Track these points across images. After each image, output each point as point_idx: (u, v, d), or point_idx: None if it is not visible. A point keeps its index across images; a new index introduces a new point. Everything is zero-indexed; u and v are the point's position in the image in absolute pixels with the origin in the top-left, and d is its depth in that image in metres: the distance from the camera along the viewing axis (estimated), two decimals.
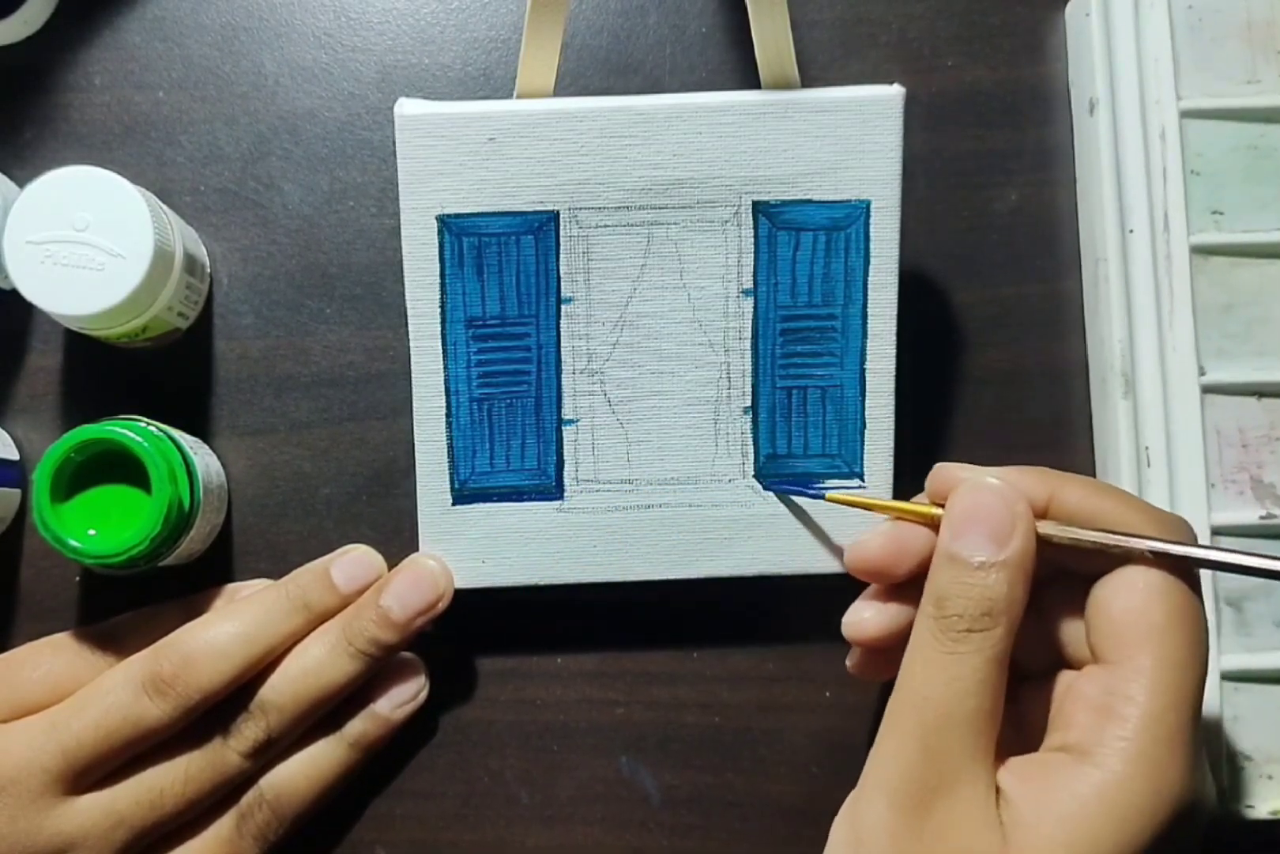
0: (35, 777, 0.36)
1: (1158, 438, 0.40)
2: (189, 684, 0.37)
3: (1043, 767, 0.31)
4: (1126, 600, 0.31)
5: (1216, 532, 0.40)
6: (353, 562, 0.40)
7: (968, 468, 0.35)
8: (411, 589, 0.39)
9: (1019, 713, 0.35)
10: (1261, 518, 0.40)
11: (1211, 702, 0.39)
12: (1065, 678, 0.34)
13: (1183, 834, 0.31)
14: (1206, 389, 0.40)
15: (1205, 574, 0.39)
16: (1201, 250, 0.41)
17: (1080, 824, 0.30)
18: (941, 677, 0.32)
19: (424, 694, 0.41)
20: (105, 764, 0.37)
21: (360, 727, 0.40)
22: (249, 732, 0.38)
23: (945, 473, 0.35)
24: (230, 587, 0.41)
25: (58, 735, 0.36)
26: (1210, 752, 0.38)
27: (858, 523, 0.40)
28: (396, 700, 0.40)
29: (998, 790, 0.31)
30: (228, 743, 0.38)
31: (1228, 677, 0.39)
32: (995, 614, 0.32)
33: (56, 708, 0.37)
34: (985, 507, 0.33)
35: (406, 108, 0.38)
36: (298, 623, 0.39)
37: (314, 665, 0.39)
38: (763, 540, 0.40)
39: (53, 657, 0.39)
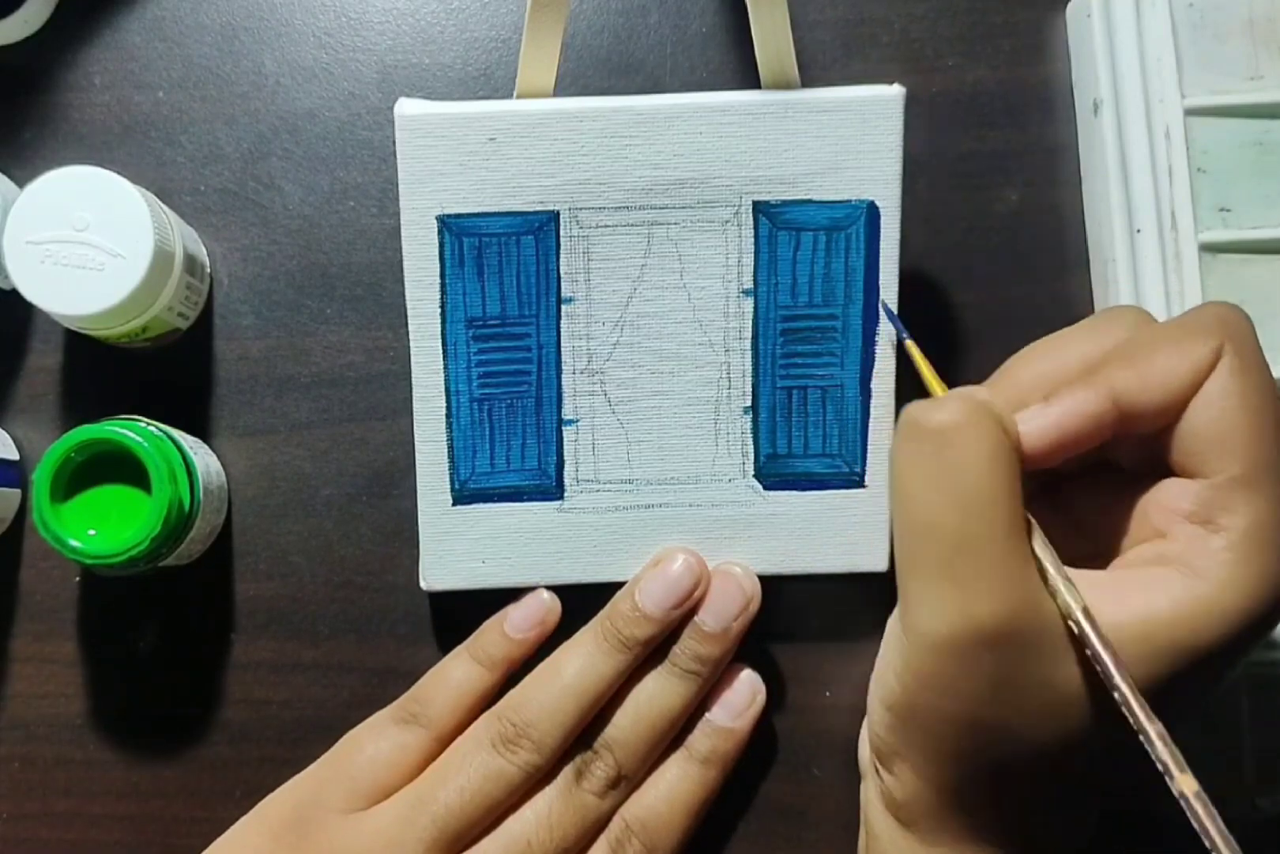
0: (411, 849, 0.36)
1: None
2: (536, 738, 0.37)
3: (1135, 581, 0.32)
4: (1210, 414, 0.32)
5: None
6: (653, 582, 0.39)
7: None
8: (720, 598, 0.39)
9: (1071, 520, 0.35)
10: None
11: (1236, 697, 0.39)
12: (1135, 490, 0.34)
13: (1263, 630, 0.31)
14: None
15: None
16: (1210, 248, 0.40)
17: (1182, 629, 0.30)
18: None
19: (761, 698, 0.40)
20: (476, 827, 0.37)
21: (706, 743, 0.39)
22: (599, 770, 0.38)
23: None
24: (500, 615, 0.40)
25: (427, 807, 0.37)
26: (1234, 747, 0.39)
27: (858, 523, 0.40)
28: (733, 709, 0.40)
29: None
30: (581, 785, 0.38)
31: (1251, 671, 0.39)
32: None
33: (415, 783, 0.38)
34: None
35: (406, 108, 0.38)
36: (620, 660, 0.38)
37: (645, 695, 0.39)
38: (763, 540, 0.40)
39: (375, 739, 0.39)
